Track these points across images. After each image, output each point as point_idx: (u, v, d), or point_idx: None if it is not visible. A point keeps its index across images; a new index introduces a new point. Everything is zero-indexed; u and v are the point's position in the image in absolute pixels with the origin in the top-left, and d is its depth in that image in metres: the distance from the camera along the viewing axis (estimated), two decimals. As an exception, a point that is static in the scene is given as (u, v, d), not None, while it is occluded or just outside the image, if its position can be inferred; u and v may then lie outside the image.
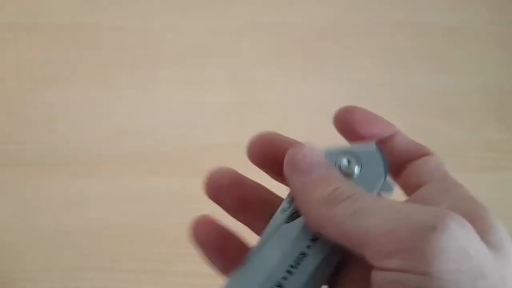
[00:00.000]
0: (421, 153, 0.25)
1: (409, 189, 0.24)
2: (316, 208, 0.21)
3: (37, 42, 0.62)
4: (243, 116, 0.56)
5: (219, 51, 0.62)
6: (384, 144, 0.25)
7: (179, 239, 0.48)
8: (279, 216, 0.24)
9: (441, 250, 0.17)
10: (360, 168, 0.24)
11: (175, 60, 0.61)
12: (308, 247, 0.22)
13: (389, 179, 0.24)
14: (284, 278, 0.22)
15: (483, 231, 0.19)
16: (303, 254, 0.22)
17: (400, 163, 0.25)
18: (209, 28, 0.64)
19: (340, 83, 0.60)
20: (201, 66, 0.61)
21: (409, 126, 0.57)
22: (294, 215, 0.23)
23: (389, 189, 0.24)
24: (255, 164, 0.26)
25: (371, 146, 0.24)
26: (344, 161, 0.24)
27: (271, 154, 0.25)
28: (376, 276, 0.18)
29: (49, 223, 0.49)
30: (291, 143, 0.24)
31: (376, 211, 0.19)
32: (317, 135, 0.57)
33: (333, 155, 0.24)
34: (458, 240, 0.17)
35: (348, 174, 0.23)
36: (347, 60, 0.63)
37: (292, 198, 0.24)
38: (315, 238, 0.22)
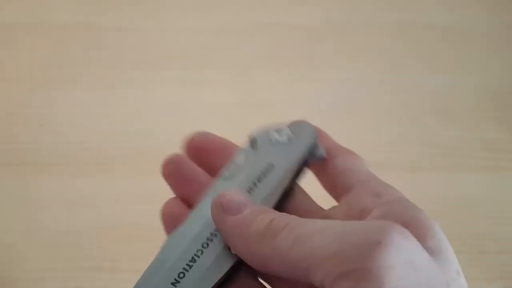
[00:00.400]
0: (337, 152, 0.26)
1: (336, 190, 0.24)
2: (255, 245, 0.20)
3: (38, 42, 0.62)
4: (243, 116, 0.56)
5: (219, 51, 0.62)
6: None
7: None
8: (219, 178, 0.26)
9: (389, 267, 0.16)
10: (290, 136, 0.26)
11: (176, 60, 0.61)
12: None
13: (320, 146, 0.26)
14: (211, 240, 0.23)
15: (422, 235, 0.19)
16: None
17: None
18: (209, 29, 0.64)
19: (339, 83, 0.60)
20: (202, 67, 0.61)
21: (407, 126, 0.57)
22: (231, 176, 0.26)
23: (321, 156, 0.26)
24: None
25: (300, 120, 0.27)
26: (275, 134, 0.26)
27: (205, 155, 0.27)
28: None
29: (50, 223, 0.49)
30: (223, 143, 0.27)
31: (318, 234, 0.18)
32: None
33: (264, 132, 0.27)
34: (403, 253, 0.17)
35: (279, 142, 0.26)
36: (346, 60, 0.63)
37: (232, 162, 0.26)
38: (250, 190, 0.25)
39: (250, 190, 0.25)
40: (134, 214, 0.49)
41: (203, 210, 0.24)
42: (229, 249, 0.22)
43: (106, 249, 0.47)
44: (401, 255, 0.17)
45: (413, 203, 0.22)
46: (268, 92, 0.59)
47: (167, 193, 0.50)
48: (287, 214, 0.21)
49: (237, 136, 0.54)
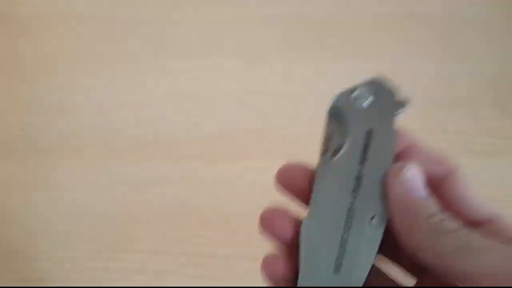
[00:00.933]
0: (445, 170, 0.25)
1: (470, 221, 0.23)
2: (419, 232, 0.21)
3: (56, 33, 0.63)
4: (253, 105, 0.57)
5: (230, 41, 0.63)
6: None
7: (191, 222, 0.49)
8: (321, 158, 0.25)
9: None
10: (372, 98, 0.26)
11: (189, 50, 0.62)
12: (359, 170, 0.24)
13: (400, 94, 0.26)
14: (352, 203, 0.24)
15: None
16: (358, 178, 0.24)
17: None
18: (221, 20, 0.65)
19: (347, 72, 0.61)
20: (213, 56, 0.61)
21: (413, 113, 0.58)
22: (335, 152, 0.25)
23: (407, 101, 0.26)
24: (282, 189, 0.27)
25: (376, 77, 0.27)
26: (357, 101, 0.26)
27: (296, 184, 0.26)
28: None
29: (68, 207, 0.50)
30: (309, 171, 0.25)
31: (486, 250, 0.19)
32: (323, 122, 0.59)
33: (346, 101, 0.26)
34: None
35: (364, 107, 0.25)
36: (354, 50, 0.63)
37: (326, 139, 0.26)
38: (362, 160, 0.24)
39: (362, 161, 0.25)
40: (148, 198, 0.51)
41: (327, 197, 0.24)
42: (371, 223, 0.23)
43: (124, 231, 0.49)
44: None
45: None
46: (278, 81, 0.60)
47: (179, 178, 0.52)
48: (455, 220, 0.22)
49: (248, 124, 0.55)
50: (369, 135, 0.25)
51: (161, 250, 0.48)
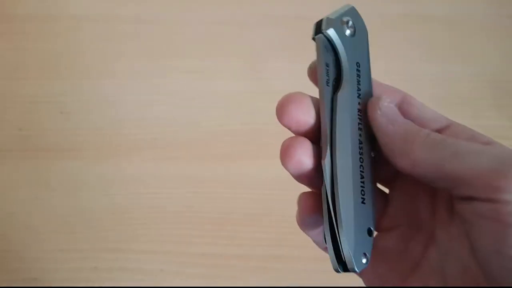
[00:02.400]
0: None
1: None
2: (411, 149, 0.23)
3: (58, 33, 0.63)
4: (254, 104, 0.57)
5: (231, 41, 0.63)
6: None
7: (192, 221, 0.50)
8: (326, 89, 0.26)
9: None
10: (352, 25, 0.27)
11: (190, 51, 0.62)
12: (359, 103, 0.26)
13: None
14: (360, 135, 0.25)
15: None
16: (359, 111, 0.26)
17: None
18: (222, 20, 0.65)
19: None
20: (214, 56, 0.61)
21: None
22: (334, 82, 0.26)
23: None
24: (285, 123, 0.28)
25: (350, 6, 0.28)
26: (347, 29, 0.27)
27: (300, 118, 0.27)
28: (474, 206, 0.21)
29: (68, 206, 0.50)
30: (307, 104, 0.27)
31: (474, 154, 0.22)
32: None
33: (337, 20, 0.27)
34: None
35: (351, 36, 0.27)
36: None
37: (327, 66, 0.27)
38: (358, 93, 0.26)
39: (358, 95, 0.26)
40: (149, 197, 0.51)
41: (342, 133, 0.25)
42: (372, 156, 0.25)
43: (123, 230, 0.49)
44: None
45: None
46: (278, 81, 0.60)
47: (180, 177, 0.52)
48: (436, 133, 0.24)
49: (248, 123, 0.55)
50: (358, 66, 0.26)
51: (161, 250, 0.48)
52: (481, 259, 0.21)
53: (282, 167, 0.27)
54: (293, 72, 0.61)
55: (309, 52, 0.62)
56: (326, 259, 0.49)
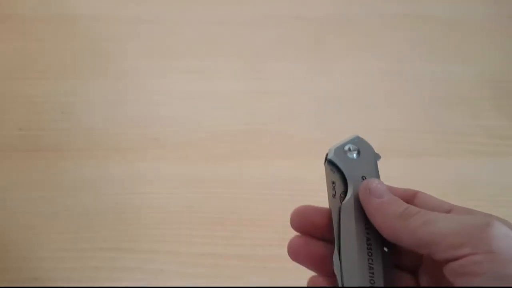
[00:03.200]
0: (409, 194, 0.32)
1: None
2: (392, 222, 0.28)
3: (59, 34, 0.63)
4: (254, 104, 0.58)
5: (231, 41, 0.63)
6: None
7: (192, 221, 0.50)
8: (333, 200, 0.32)
9: (495, 236, 0.24)
10: (358, 150, 0.33)
11: (190, 51, 0.62)
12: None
13: (376, 152, 0.34)
14: (368, 239, 0.30)
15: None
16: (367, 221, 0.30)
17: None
18: (222, 21, 0.65)
19: (345, 72, 0.61)
20: (214, 56, 0.62)
21: (413, 114, 0.58)
22: (342, 195, 0.32)
23: (379, 157, 0.34)
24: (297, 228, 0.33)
25: (355, 136, 0.34)
26: (349, 154, 0.33)
27: (308, 223, 0.32)
28: (449, 266, 0.25)
29: (71, 206, 0.50)
30: (322, 211, 0.32)
31: (442, 220, 0.26)
32: (323, 120, 0.60)
33: (340, 148, 0.33)
34: (502, 229, 0.25)
35: (355, 159, 0.33)
36: (352, 51, 0.63)
37: (333, 184, 0.32)
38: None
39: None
40: (149, 197, 0.51)
41: (349, 233, 0.30)
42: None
43: (123, 230, 0.49)
44: (501, 230, 0.24)
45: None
46: (278, 81, 0.60)
47: (181, 177, 0.52)
48: (416, 207, 0.28)
49: (249, 123, 0.55)
50: (363, 178, 0.32)
51: (161, 250, 0.48)
52: None
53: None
54: (293, 72, 0.61)
55: (309, 52, 0.63)
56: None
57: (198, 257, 0.48)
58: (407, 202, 0.30)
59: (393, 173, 0.54)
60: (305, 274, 0.47)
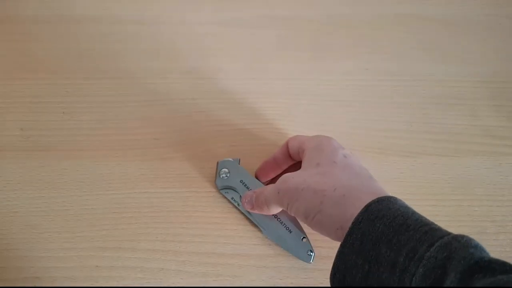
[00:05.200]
0: (302, 148, 0.47)
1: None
2: (267, 210, 0.48)
3: (60, 34, 0.63)
4: (254, 104, 0.58)
5: (231, 42, 0.63)
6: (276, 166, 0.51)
7: (192, 221, 0.50)
8: (240, 207, 0.52)
9: (285, 188, 0.44)
10: (227, 169, 0.51)
11: (189, 51, 0.62)
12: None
13: (235, 159, 0.52)
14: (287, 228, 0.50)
15: (304, 162, 0.46)
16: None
17: (294, 155, 0.49)
18: (222, 20, 0.65)
19: (345, 72, 0.61)
20: (214, 56, 0.62)
21: (412, 113, 0.58)
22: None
23: (238, 160, 0.52)
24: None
25: (219, 162, 0.52)
26: (222, 175, 0.51)
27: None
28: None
29: (71, 205, 0.50)
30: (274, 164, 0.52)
31: (292, 178, 0.44)
32: (323, 120, 0.59)
33: (218, 179, 0.51)
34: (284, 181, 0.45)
35: (228, 175, 0.51)
36: (352, 51, 0.63)
37: (233, 199, 0.51)
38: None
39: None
40: (149, 197, 0.51)
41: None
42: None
43: (124, 230, 0.49)
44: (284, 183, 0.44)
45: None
46: (278, 81, 0.60)
47: (181, 176, 0.52)
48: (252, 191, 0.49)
49: (249, 123, 0.55)
50: (242, 182, 0.51)
51: (161, 249, 0.48)
52: None
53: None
54: (293, 72, 0.61)
55: (309, 52, 0.63)
56: (325, 258, 0.49)
57: (198, 256, 0.48)
58: (298, 154, 0.48)
59: (393, 173, 0.54)
60: (305, 274, 0.47)
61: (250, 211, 0.49)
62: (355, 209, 0.37)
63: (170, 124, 0.56)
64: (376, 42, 0.64)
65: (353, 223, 0.36)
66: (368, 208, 0.36)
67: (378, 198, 0.37)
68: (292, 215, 0.43)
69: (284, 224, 0.48)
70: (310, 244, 0.48)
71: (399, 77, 0.61)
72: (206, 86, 0.59)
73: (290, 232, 0.48)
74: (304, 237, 0.48)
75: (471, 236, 0.34)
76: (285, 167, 0.51)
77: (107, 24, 0.64)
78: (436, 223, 0.36)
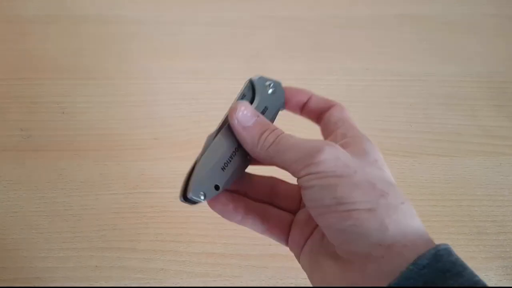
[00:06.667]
0: (328, 106, 0.38)
1: (327, 133, 0.37)
2: (256, 149, 0.34)
3: (60, 34, 0.63)
4: None
5: (231, 42, 0.63)
6: (305, 104, 0.39)
7: (192, 221, 0.50)
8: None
9: (325, 160, 0.31)
10: (274, 90, 0.39)
11: (189, 51, 0.62)
12: (236, 149, 0.36)
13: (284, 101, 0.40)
14: (226, 164, 0.36)
15: (350, 145, 0.33)
16: (234, 152, 0.36)
17: (317, 114, 0.39)
18: (223, 22, 0.65)
19: (345, 72, 0.61)
20: (214, 56, 0.62)
21: (412, 113, 0.58)
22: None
23: (283, 108, 0.39)
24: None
25: (279, 82, 0.39)
26: (268, 87, 0.39)
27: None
28: (300, 182, 0.31)
29: (71, 206, 0.50)
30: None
31: (290, 148, 0.32)
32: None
33: (263, 79, 0.39)
34: (332, 153, 0.31)
35: (269, 93, 0.39)
36: (352, 51, 0.64)
37: (244, 96, 0.38)
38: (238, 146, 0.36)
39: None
40: (149, 197, 0.51)
41: (229, 131, 0.36)
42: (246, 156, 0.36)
43: (124, 230, 0.49)
44: (331, 154, 0.31)
45: (362, 135, 0.35)
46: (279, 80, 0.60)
47: (180, 178, 0.52)
48: (277, 131, 0.34)
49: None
50: (264, 109, 0.38)
51: (162, 250, 0.48)
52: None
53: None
54: (293, 72, 0.62)
55: (309, 52, 0.63)
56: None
57: (198, 256, 0.48)
58: (323, 113, 0.38)
59: (393, 173, 0.54)
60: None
61: (238, 133, 0.35)
62: (415, 235, 0.29)
63: (170, 124, 0.56)
64: (376, 42, 0.64)
65: (414, 263, 0.27)
66: (437, 253, 0.27)
67: (443, 244, 0.28)
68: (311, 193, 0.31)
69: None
70: None
71: (399, 77, 0.61)
72: (206, 86, 0.59)
73: (222, 171, 0.37)
74: None
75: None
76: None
77: (107, 24, 0.64)
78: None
